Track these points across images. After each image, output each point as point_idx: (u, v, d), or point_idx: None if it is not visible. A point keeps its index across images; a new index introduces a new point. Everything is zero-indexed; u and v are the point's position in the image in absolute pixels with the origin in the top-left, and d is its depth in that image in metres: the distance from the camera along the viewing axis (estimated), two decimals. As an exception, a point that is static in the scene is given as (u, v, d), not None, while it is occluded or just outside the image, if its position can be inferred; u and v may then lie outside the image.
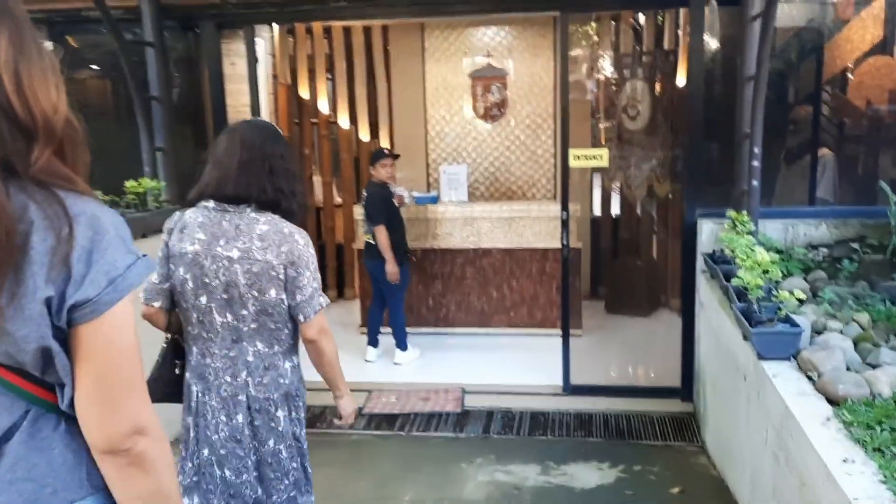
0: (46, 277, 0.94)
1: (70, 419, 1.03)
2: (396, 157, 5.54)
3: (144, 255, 1.05)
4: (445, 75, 6.98)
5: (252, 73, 4.82)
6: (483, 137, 7.04)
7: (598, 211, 7.19)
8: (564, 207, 4.67)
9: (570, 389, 4.83)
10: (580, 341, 5.64)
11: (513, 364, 5.43)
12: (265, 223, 2.02)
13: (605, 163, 4.57)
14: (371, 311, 5.67)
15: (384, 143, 7.16)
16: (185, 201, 2.18)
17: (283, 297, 2.04)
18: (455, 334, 6.17)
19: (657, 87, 6.28)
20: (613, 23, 6.66)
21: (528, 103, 6.93)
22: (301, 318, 2.08)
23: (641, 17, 6.51)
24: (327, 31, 6.98)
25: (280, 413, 2.15)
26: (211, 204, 2.08)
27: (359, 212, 5.62)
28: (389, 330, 5.61)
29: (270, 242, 2.01)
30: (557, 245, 5.81)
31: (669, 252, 6.58)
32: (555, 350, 4.99)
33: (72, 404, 1.02)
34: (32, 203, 0.95)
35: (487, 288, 6.12)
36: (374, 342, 5.63)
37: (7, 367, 0.99)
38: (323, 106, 7.05)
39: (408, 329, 5.77)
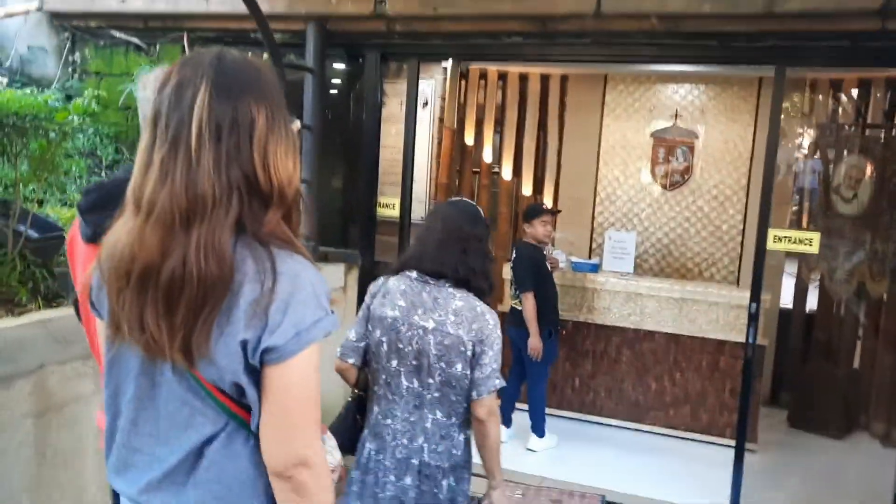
0: (248, 323, 1.10)
1: (257, 438, 1.17)
2: (557, 212, 4.93)
3: (332, 313, 1.18)
4: (625, 133, 6.32)
5: (410, 110, 4.43)
6: (659, 205, 6.27)
7: (788, 303, 6.12)
8: (755, 297, 3.82)
9: (737, 523, 3.89)
10: (754, 459, 4.64)
11: (667, 475, 4.54)
12: (460, 299, 2.12)
13: (814, 248, 3.68)
14: (508, 384, 4.99)
15: (548, 199, 6.58)
16: (390, 269, 2.33)
17: (468, 371, 2.13)
18: (601, 425, 5.36)
19: (882, 167, 5.23)
20: (831, 88, 5.71)
21: (716, 172, 6.09)
22: (475, 394, 2.14)
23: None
24: (502, 78, 6.57)
25: (445, 482, 2.21)
26: (414, 274, 2.22)
27: (507, 272, 5.05)
28: (526, 408, 4.93)
29: (463, 318, 2.10)
30: (737, 338, 4.92)
31: (878, 363, 5.40)
32: (721, 465, 4.09)
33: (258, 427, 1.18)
34: (251, 258, 1.11)
35: (645, 377, 5.27)
36: (506, 420, 4.96)
37: (215, 386, 1.15)
38: (487, 155, 6.62)
39: (549, 411, 5.06)
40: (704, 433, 5.13)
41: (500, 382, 2.16)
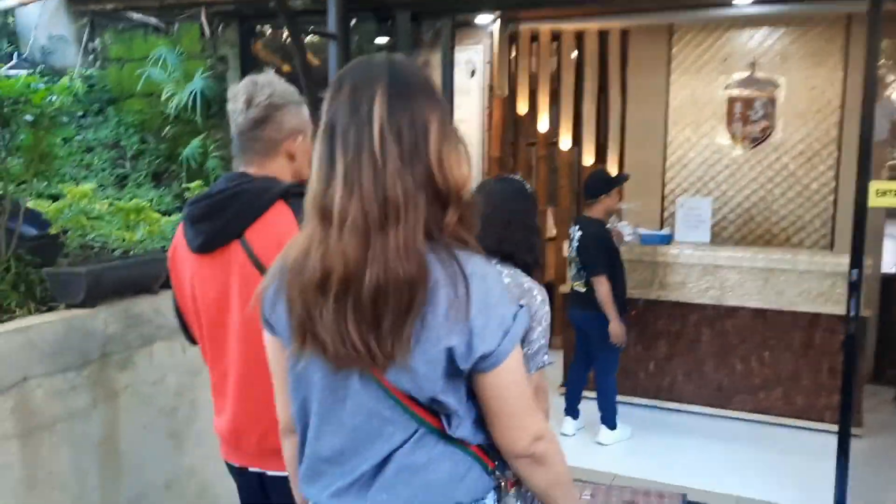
0: (450, 329, 1.10)
1: (450, 440, 1.20)
2: (625, 179, 4.44)
3: (522, 305, 1.22)
4: (695, 89, 5.72)
5: (447, 76, 4.01)
6: (738, 165, 5.65)
7: (891, 268, 5.44)
8: (856, 263, 3.25)
9: (844, 525, 3.35)
10: (859, 445, 4.06)
11: (758, 467, 4.02)
12: (507, 276, 2.05)
13: (926, 203, 3.09)
14: (573, 371, 4.58)
15: (612, 168, 6.05)
16: None
17: None
18: (680, 412, 4.85)
19: None
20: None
21: (802, 125, 5.43)
22: None
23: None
24: (556, 38, 6.06)
25: None
26: None
27: (566, 250, 4.58)
28: (594, 397, 4.49)
29: (512, 295, 2.01)
30: (833, 310, 4.34)
31: None
32: (820, 454, 3.58)
33: (459, 430, 1.20)
34: (438, 262, 1.11)
35: (729, 358, 4.73)
36: (573, 412, 4.53)
37: (406, 395, 1.16)
38: (543, 124, 6.13)
39: (621, 399, 4.60)
40: (799, 418, 4.56)
41: (548, 359, 2.08)
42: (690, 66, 5.72)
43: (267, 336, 1.30)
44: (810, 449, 4.19)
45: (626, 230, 4.86)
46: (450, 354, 1.11)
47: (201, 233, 1.69)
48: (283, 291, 1.17)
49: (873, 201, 3.17)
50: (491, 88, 5.94)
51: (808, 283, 4.51)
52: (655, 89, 5.83)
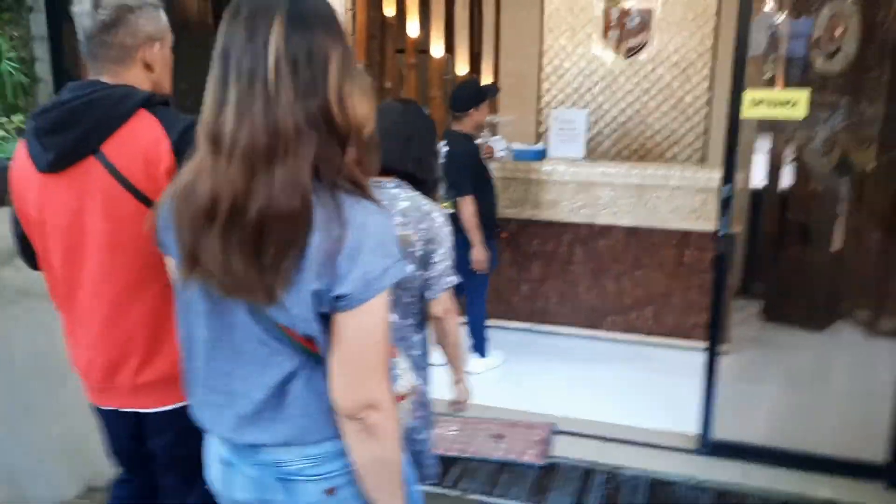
0: (318, 272, 1.10)
1: None
2: (497, 91, 4.08)
3: (400, 260, 1.17)
4: (570, -6, 5.37)
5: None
6: (614, 77, 5.41)
7: (759, 183, 5.42)
8: (728, 178, 3.06)
9: (710, 446, 3.28)
10: (727, 361, 3.99)
11: (628, 391, 3.92)
12: (405, 199, 2.00)
13: (800, 111, 2.89)
14: (442, 298, 4.30)
15: (487, 78, 5.68)
16: None
17: (420, 272, 2.02)
18: (554, 335, 4.71)
19: (872, 11, 4.40)
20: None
21: (677, 34, 5.21)
22: (429, 294, 2.04)
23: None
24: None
25: None
26: None
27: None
28: (465, 324, 4.24)
29: (411, 219, 1.98)
30: (704, 227, 4.23)
31: (862, 244, 4.78)
32: (689, 372, 3.47)
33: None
34: (319, 205, 1.09)
35: (602, 278, 4.59)
36: (442, 340, 4.27)
37: (290, 328, 1.16)
38: (413, 30, 5.63)
39: (492, 323, 4.39)
40: (669, 336, 4.51)
41: (453, 279, 2.06)
42: (566, -31, 5.35)
43: (168, 259, 1.30)
44: (680, 368, 4.13)
45: (498, 145, 4.54)
46: (316, 297, 1.12)
47: (51, 148, 1.53)
48: (171, 216, 1.15)
49: (747, 111, 2.96)
50: (353, -12, 5.36)
51: (680, 199, 4.37)
52: (530, -7, 5.44)
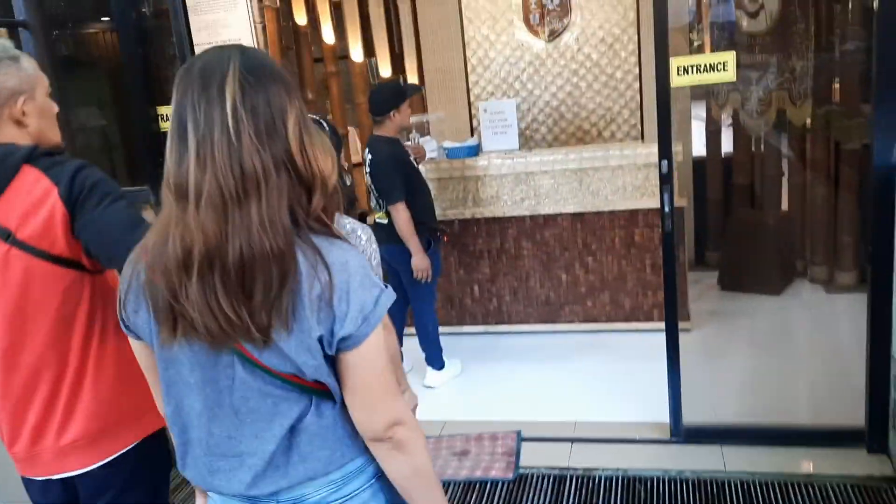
0: (317, 319, 1.10)
1: (342, 401, 1.21)
2: (418, 90, 3.87)
3: (386, 286, 1.19)
4: (486, -19, 5.19)
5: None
6: (541, 61, 5.25)
7: (701, 150, 5.33)
8: (664, 154, 2.91)
9: (683, 434, 3.13)
10: (689, 340, 3.88)
11: (594, 384, 3.76)
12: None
13: (730, 74, 2.75)
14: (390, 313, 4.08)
15: (412, 77, 5.48)
16: None
17: None
18: (511, 334, 4.53)
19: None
20: None
21: (600, 10, 5.07)
22: None
23: None
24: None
25: None
26: None
27: (365, 178, 3.99)
28: (418, 335, 4.03)
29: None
30: (650, 204, 4.09)
31: (809, 201, 4.70)
32: (653, 355, 3.31)
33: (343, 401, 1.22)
34: (299, 251, 1.09)
35: (553, 269, 4.42)
36: (395, 356, 4.05)
37: (292, 374, 1.16)
38: (328, 35, 5.40)
39: (446, 330, 4.20)
40: (629, 320, 4.36)
41: (387, 295, 1.81)
42: (479, -45, 5.17)
43: (133, 342, 1.27)
44: (644, 353, 3.98)
45: (429, 146, 4.35)
46: (320, 342, 1.12)
47: None
48: (141, 290, 1.15)
49: (675, 80, 2.81)
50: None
51: (622, 178, 4.23)
52: (445, -15, 5.25)
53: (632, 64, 5.11)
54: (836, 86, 4.43)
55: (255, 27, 5.22)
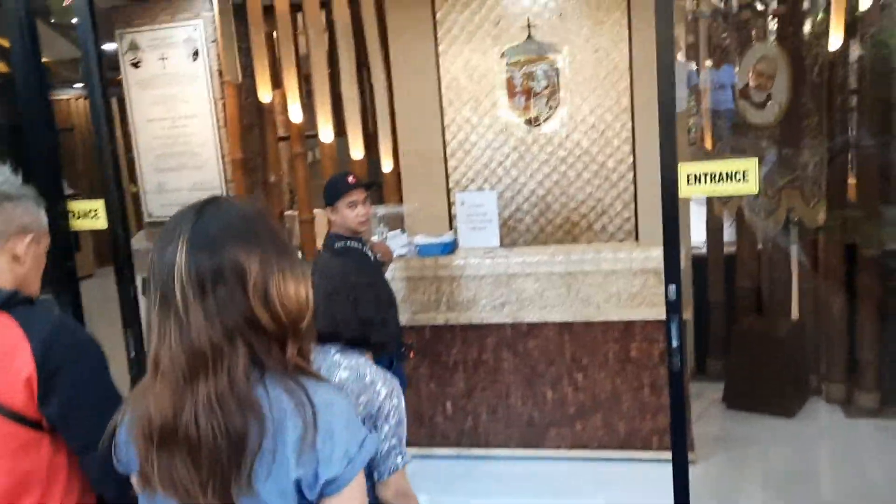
0: (298, 460, 1.08)
1: None
2: (370, 186, 3.37)
3: (370, 432, 1.24)
4: (468, 59, 4.79)
5: (91, 60, 2.67)
6: (526, 146, 4.81)
7: (701, 248, 4.86)
8: (671, 277, 2.39)
9: None
10: (694, 475, 3.26)
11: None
12: (346, 369, 1.82)
13: (752, 187, 2.27)
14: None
15: (387, 161, 5.03)
16: None
17: None
18: (488, 458, 3.93)
19: (801, 53, 3.92)
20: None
21: (590, 93, 4.67)
22: (376, 476, 1.82)
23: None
24: (296, 9, 4.89)
25: None
26: None
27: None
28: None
29: (350, 392, 1.78)
30: (648, 315, 3.59)
31: (823, 310, 4.21)
32: (655, 491, 2.71)
33: None
34: (284, 392, 1.10)
35: (537, 385, 3.87)
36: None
37: None
38: (296, 114, 4.96)
39: (416, 452, 3.59)
40: (624, 447, 3.78)
41: (403, 459, 1.84)
42: (460, 33, 4.78)
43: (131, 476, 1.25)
44: (642, 487, 3.41)
45: (396, 242, 3.84)
46: (298, 485, 1.10)
47: None
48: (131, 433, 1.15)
49: (684, 190, 2.33)
50: (221, 73, 4.69)
51: (616, 284, 3.72)
52: (423, 61, 4.84)
53: (625, 153, 4.68)
54: (853, 184, 4.00)
55: (214, 104, 4.79)
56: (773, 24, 3.98)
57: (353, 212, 3.14)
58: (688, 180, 2.32)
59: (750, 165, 2.25)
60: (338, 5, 4.86)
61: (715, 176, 2.28)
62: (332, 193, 3.17)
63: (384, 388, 1.82)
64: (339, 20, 4.89)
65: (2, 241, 1.51)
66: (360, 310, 2.47)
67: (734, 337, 4.43)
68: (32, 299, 1.53)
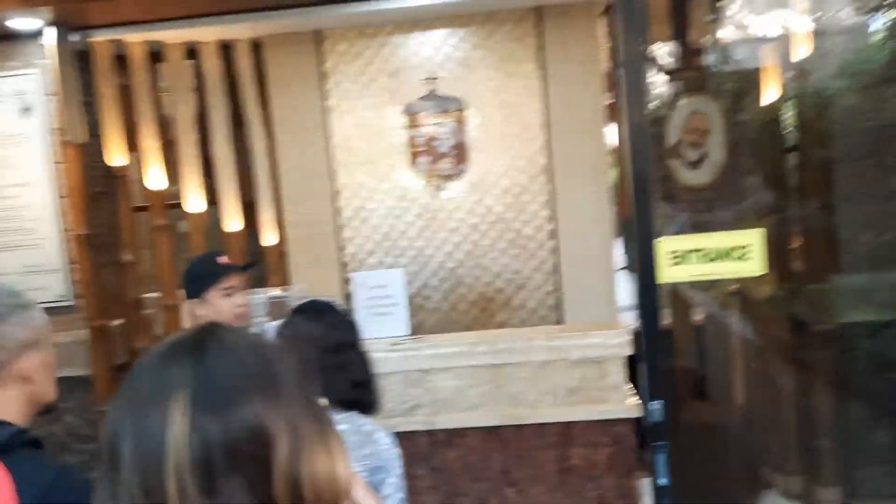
0: None
1: None
2: (248, 267, 2.64)
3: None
4: (362, 116, 4.18)
5: None
6: (432, 214, 4.20)
7: (634, 324, 4.35)
8: (656, 390, 1.78)
9: None
10: None
11: None
12: (342, 420, 1.74)
13: (757, 266, 1.71)
14: None
15: (271, 233, 4.27)
16: None
17: None
18: None
19: (736, 104, 3.53)
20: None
21: (502, 152, 4.15)
22: None
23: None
24: (154, 56, 4.12)
25: None
26: None
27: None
28: None
29: (351, 445, 1.66)
30: (590, 414, 2.98)
31: (772, 393, 3.75)
32: None
33: None
34: None
35: (460, 507, 3.14)
36: None
37: None
38: (156, 179, 4.13)
39: None
40: (569, 577, 3.10)
41: None
42: (352, 86, 4.17)
43: None
44: None
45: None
46: None
47: None
48: None
49: (667, 274, 1.74)
50: (61, 132, 3.84)
51: (552, 378, 3.10)
52: (310, 120, 4.19)
53: (543, 218, 4.15)
54: (799, 250, 3.61)
55: (53, 169, 3.92)
56: (701, 77, 3.59)
57: (228, 301, 2.42)
58: (670, 258, 1.72)
59: (754, 239, 1.69)
60: (206, 54, 4.14)
61: (710, 253, 1.70)
62: (198, 282, 2.43)
63: (385, 438, 1.76)
64: (208, 71, 4.17)
65: (5, 370, 1.33)
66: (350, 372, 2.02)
67: (681, 427, 3.89)
68: (40, 441, 1.33)
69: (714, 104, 3.50)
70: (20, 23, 3.57)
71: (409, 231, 4.22)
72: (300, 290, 3.57)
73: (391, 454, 1.76)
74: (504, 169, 4.14)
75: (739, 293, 3.73)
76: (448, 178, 4.17)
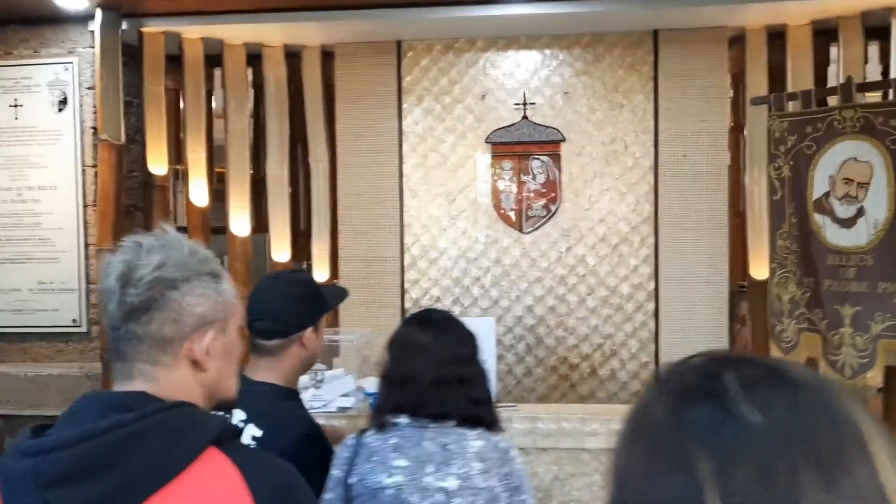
0: None
1: None
2: (341, 295, 2.08)
3: None
4: (441, 140, 3.63)
5: None
6: (513, 260, 3.61)
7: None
8: None
9: None
10: None
11: None
12: (477, 438, 1.66)
13: None
14: None
15: (322, 268, 3.69)
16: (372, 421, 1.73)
17: None
18: None
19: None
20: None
21: (602, 196, 3.56)
22: None
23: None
24: (213, 60, 3.63)
25: None
26: (403, 419, 1.68)
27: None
28: None
29: (492, 464, 1.63)
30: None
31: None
32: None
33: None
34: None
35: None
36: None
37: None
38: (199, 194, 3.59)
39: None
40: None
41: None
42: (432, 106, 3.64)
43: None
44: None
45: (337, 388, 2.47)
46: None
47: None
48: None
49: None
50: (95, 131, 3.34)
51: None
52: (381, 141, 3.65)
53: (645, 276, 3.54)
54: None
55: (83, 174, 3.40)
56: (860, 116, 2.99)
57: (321, 334, 1.93)
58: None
59: None
60: (270, 59, 3.64)
61: None
62: (321, 306, 1.87)
63: (519, 456, 1.72)
64: (270, 79, 3.66)
65: (175, 348, 1.03)
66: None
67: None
68: (237, 429, 1.13)
69: (877, 150, 2.89)
70: (67, 1, 3.10)
71: (483, 278, 3.61)
72: (361, 334, 2.95)
73: (524, 471, 1.71)
74: (602, 215, 3.54)
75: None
76: (535, 220, 3.57)
